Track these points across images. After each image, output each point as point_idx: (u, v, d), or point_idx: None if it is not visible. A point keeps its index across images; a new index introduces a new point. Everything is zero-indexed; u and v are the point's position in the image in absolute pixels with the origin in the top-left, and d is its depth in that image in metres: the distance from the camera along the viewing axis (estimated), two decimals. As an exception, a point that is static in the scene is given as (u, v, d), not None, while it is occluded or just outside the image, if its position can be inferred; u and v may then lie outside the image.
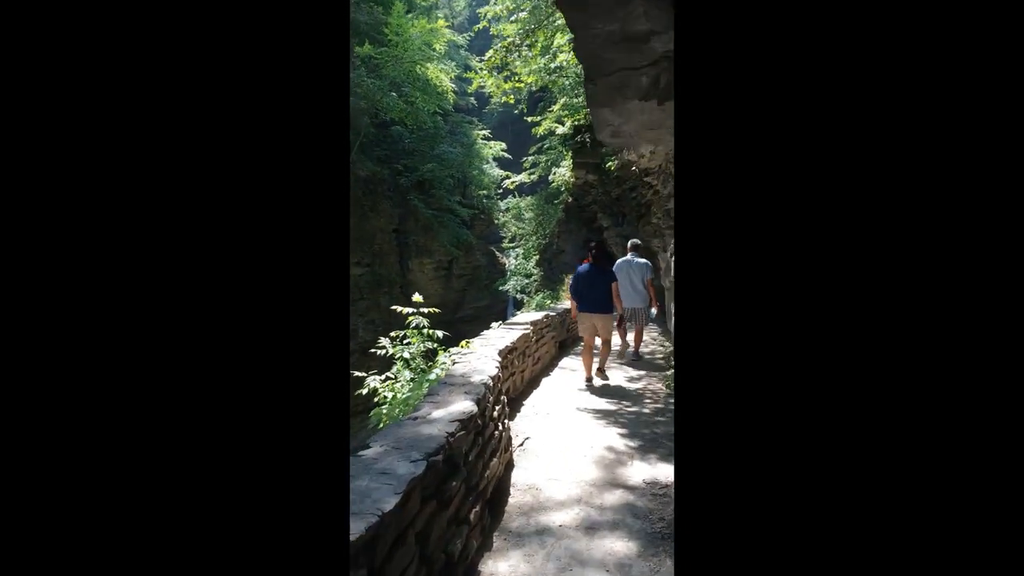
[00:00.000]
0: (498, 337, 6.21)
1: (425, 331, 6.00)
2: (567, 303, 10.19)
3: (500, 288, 20.71)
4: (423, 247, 22.25)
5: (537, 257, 19.67)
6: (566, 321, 8.91)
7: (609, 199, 15.49)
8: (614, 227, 15.41)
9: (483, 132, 23.90)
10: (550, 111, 19.46)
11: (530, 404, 5.98)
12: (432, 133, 21.99)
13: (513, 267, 21.18)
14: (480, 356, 5.13)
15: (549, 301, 17.32)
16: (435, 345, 6.02)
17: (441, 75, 18.58)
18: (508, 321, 7.18)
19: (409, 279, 22.34)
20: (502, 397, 4.58)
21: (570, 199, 17.97)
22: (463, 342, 5.53)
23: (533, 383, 6.78)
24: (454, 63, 20.10)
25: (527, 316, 7.69)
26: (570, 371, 7.42)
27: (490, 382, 4.05)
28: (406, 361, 5.65)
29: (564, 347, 8.76)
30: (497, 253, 25.35)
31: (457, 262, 23.61)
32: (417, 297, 6.22)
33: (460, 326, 25.32)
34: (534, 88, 18.85)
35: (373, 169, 20.72)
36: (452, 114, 23.26)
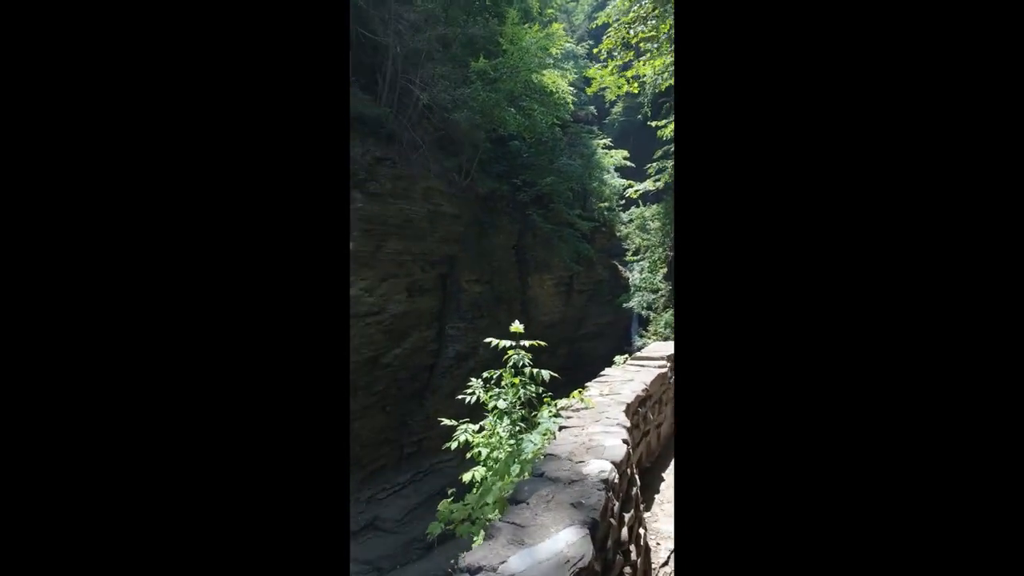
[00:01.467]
0: (623, 380, 4.48)
1: (526, 370, 4.43)
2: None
3: (624, 304, 18.70)
4: (543, 262, 20.88)
5: (664, 270, 17.43)
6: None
7: (750, 202, 13.03)
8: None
9: (604, 141, 22.13)
10: (676, 113, 17.32)
11: (673, 477, 4.14)
12: (551, 146, 20.66)
13: (637, 281, 19.09)
14: (598, 415, 3.44)
15: (680, 319, 15.07)
16: (538, 389, 4.43)
17: (559, 80, 17.18)
18: (637, 354, 5.38)
19: (529, 295, 21.06)
20: (634, 488, 2.85)
21: (702, 205, 15.69)
22: (576, 393, 3.86)
23: (671, 446, 4.92)
24: (571, 64, 18.63)
25: (661, 346, 5.84)
26: (722, 421, 5.46)
27: (614, 475, 2.35)
28: (502, 413, 4.10)
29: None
30: (620, 267, 23.32)
31: (578, 277, 21.95)
32: (516, 326, 4.66)
33: (581, 343, 23.57)
34: (659, 88, 16.88)
35: (492, 186, 19.78)
36: (571, 125, 21.80)
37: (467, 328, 19.09)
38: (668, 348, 5.64)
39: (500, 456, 3.69)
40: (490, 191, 19.73)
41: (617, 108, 27.46)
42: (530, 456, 3.19)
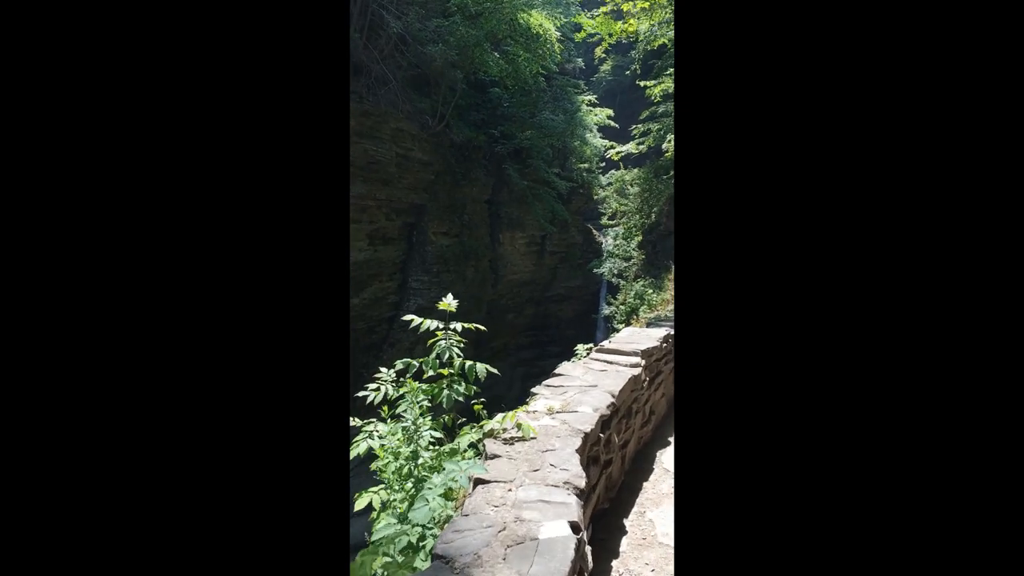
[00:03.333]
0: (583, 386, 3.20)
1: (456, 361, 3.13)
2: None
3: (595, 270, 17.46)
4: (516, 220, 19.39)
5: (639, 238, 16.16)
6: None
7: (738, 173, 11.73)
8: (740, 208, 11.68)
9: (589, 98, 20.35)
10: (668, 73, 15.67)
11: (643, 521, 2.93)
12: (534, 98, 18.84)
13: (611, 247, 17.80)
14: (540, 455, 2.18)
15: (651, 291, 13.90)
16: (469, 390, 3.15)
17: (546, 23, 15.31)
18: (605, 346, 4.10)
19: (499, 253, 19.65)
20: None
21: (685, 173, 14.32)
22: (511, 415, 2.55)
23: (642, 463, 3.70)
24: (560, 10, 16.67)
25: (634, 335, 4.56)
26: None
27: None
28: (408, 434, 2.79)
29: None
30: (595, 231, 21.97)
31: (551, 238, 20.56)
32: (447, 303, 3.32)
33: (549, 305, 22.38)
34: (651, 45, 15.16)
35: (468, 134, 18.00)
36: (556, 77, 19.91)
37: (431, 282, 17.67)
38: (643, 338, 4.37)
39: (399, 500, 2.41)
40: (465, 140, 17.94)
41: (606, 66, 25.51)
42: (415, 539, 1.89)
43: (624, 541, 2.79)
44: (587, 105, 19.99)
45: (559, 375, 3.51)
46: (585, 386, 3.23)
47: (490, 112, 18.89)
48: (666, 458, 3.73)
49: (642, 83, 15.77)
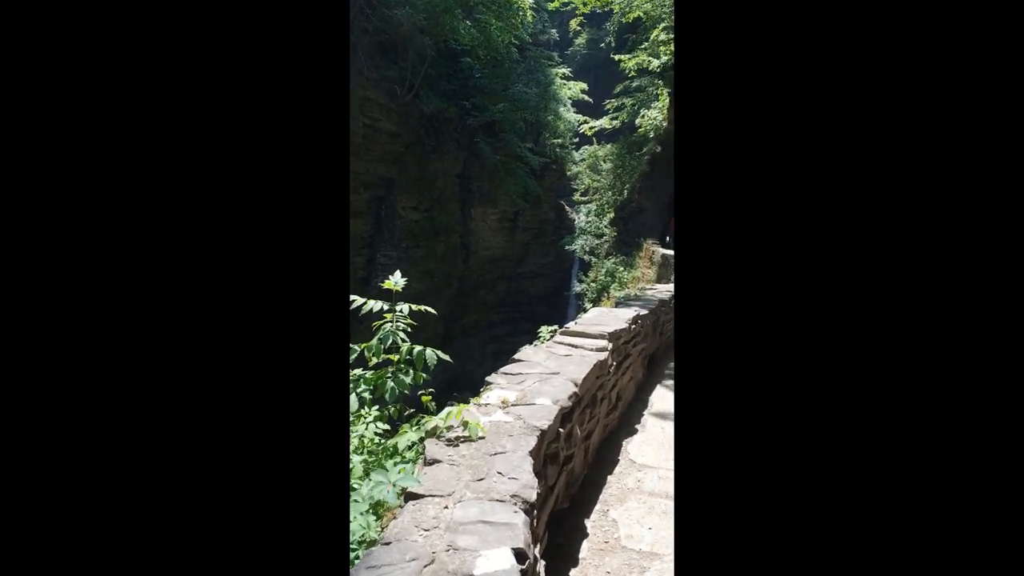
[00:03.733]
0: (544, 373, 2.88)
1: (403, 347, 2.78)
2: (664, 286, 6.62)
3: (567, 247, 17.14)
4: (487, 195, 18.89)
5: (612, 215, 15.87)
6: (660, 319, 5.36)
7: (711, 149, 11.45)
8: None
9: (563, 71, 19.76)
10: (643, 47, 15.22)
11: (606, 521, 2.65)
12: (506, 69, 18.17)
13: (583, 224, 17.48)
14: (487, 460, 1.84)
15: (622, 269, 13.67)
16: (418, 378, 2.80)
17: (518, -12, 14.66)
18: (570, 328, 3.77)
19: (470, 228, 19.17)
20: None
21: (658, 148, 13.92)
22: (457, 410, 2.20)
23: (607, 454, 3.42)
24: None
25: (602, 315, 4.25)
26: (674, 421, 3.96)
27: None
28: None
29: (656, 364, 5.23)
30: (567, 208, 21.59)
31: (523, 214, 20.14)
32: (392, 282, 2.94)
33: (520, 281, 22.01)
34: (627, 17, 14.66)
35: (438, 105, 17.30)
36: (530, 48, 19.23)
37: (400, 257, 17.10)
38: (611, 319, 4.06)
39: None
40: (436, 111, 17.23)
41: (580, 39, 24.86)
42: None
43: (585, 546, 2.50)
44: (561, 78, 19.42)
45: (519, 361, 3.17)
46: (546, 374, 2.90)
47: (461, 83, 18.17)
48: (632, 448, 3.46)
49: (616, 57, 15.29)
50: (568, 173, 20.36)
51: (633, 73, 15.50)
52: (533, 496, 1.74)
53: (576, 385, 2.81)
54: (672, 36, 12.40)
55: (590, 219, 16.97)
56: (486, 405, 2.46)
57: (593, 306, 11.40)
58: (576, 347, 3.47)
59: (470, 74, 18.06)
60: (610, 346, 3.58)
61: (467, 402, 2.58)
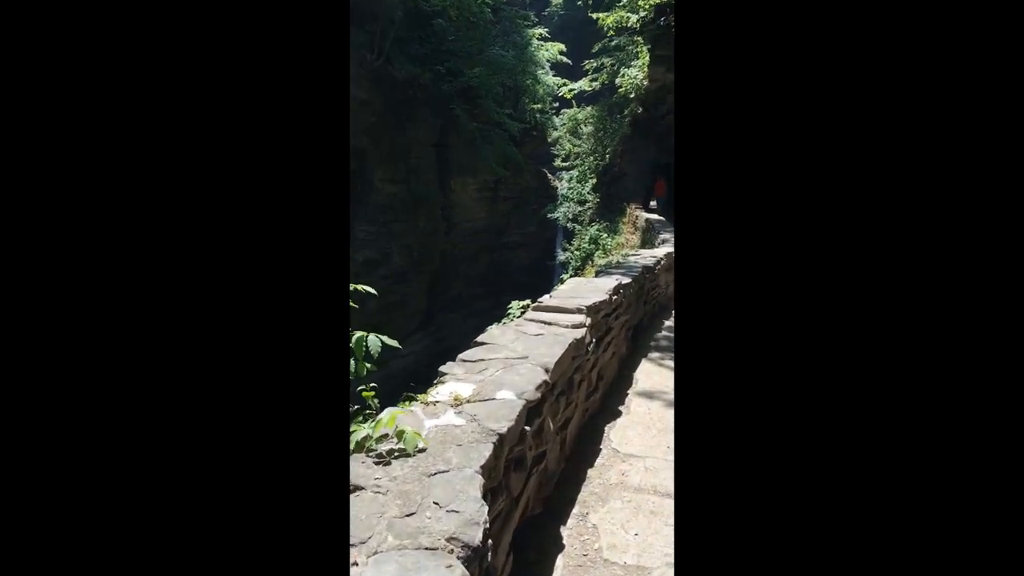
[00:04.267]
0: (511, 358, 2.41)
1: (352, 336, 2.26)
2: (648, 252, 6.13)
3: (549, 215, 16.59)
4: (466, 165, 18.15)
5: (594, 181, 15.30)
6: (645, 287, 4.90)
7: (695, 107, 10.86)
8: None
9: (540, 31, 18.82)
10: (621, 4, 14.41)
11: (585, 528, 2.24)
12: (481, 31, 17.22)
13: (565, 191, 16.90)
14: (425, 480, 1.36)
15: (606, 236, 13.19)
16: (361, 369, 2.32)
17: (488, -59, 13.75)
18: (544, 302, 3.30)
19: (450, 199, 18.49)
20: None
21: (640, 110, 13.29)
22: (392, 416, 1.72)
23: (587, 444, 2.99)
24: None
25: (579, 287, 3.78)
26: (663, 402, 3.53)
27: None
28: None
29: (641, 335, 4.79)
30: (549, 175, 20.90)
31: (504, 183, 19.46)
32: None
33: (504, 252, 21.42)
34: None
35: (411, 70, 16.40)
36: (505, 8, 18.23)
37: (379, 232, 16.45)
38: (588, 291, 3.59)
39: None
40: (409, 77, 16.32)
41: (556, 0, 23.78)
42: None
43: (560, 561, 2.09)
44: (538, 39, 18.50)
45: (482, 344, 2.70)
46: (513, 358, 2.44)
47: (434, 46, 17.22)
48: (615, 434, 3.05)
49: (594, 15, 14.48)
50: (549, 139, 19.63)
51: (611, 32, 14.74)
52: (478, 537, 1.29)
53: (547, 371, 2.35)
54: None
55: (572, 185, 16.40)
56: (434, 404, 2.00)
57: (576, 275, 10.94)
58: (549, 324, 3.01)
59: (443, 37, 17.12)
60: (588, 321, 3.12)
61: (415, 398, 2.12)
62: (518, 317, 3.22)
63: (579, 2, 16.80)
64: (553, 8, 23.59)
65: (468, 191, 18.72)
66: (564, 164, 17.79)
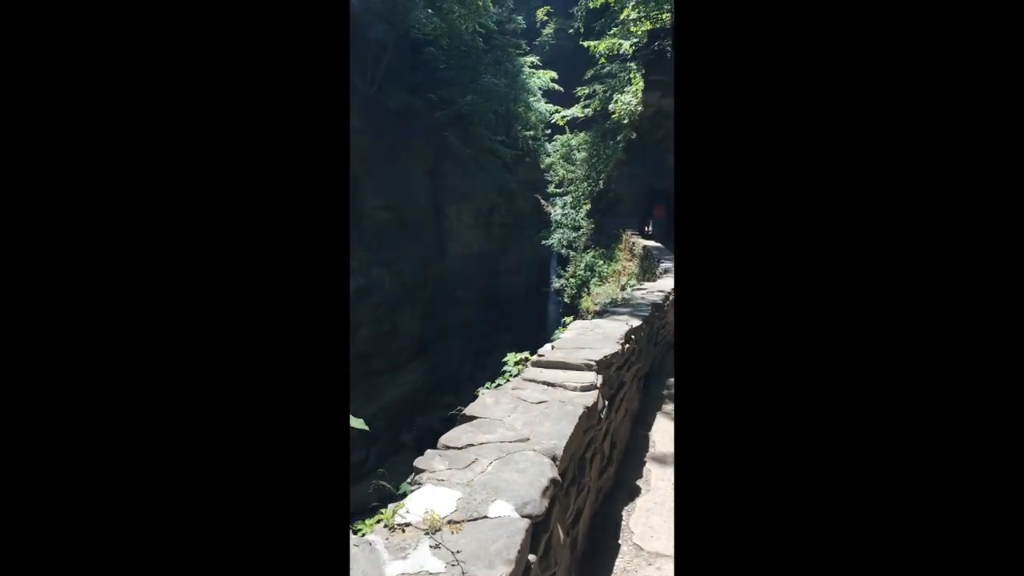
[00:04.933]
0: (504, 446, 1.83)
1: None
2: (654, 285, 5.57)
3: (543, 242, 16.11)
4: (460, 192, 17.74)
5: (588, 207, 14.89)
6: (655, 327, 4.34)
7: (691, 132, 10.49)
8: (693, 170, 10.49)
9: (531, 59, 18.65)
10: (611, 33, 14.23)
11: None
12: (473, 60, 17.02)
13: (559, 217, 16.48)
14: None
15: (601, 263, 12.70)
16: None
17: (480, -30, 13.58)
18: (544, 356, 2.73)
19: (444, 227, 18.03)
20: None
21: (634, 135, 12.96)
22: (382, 514, 1.15)
23: (599, 535, 2.38)
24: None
25: (587, 338, 3.20)
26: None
27: None
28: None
29: (652, 383, 4.20)
30: (543, 201, 20.52)
31: (498, 210, 19.02)
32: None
33: (500, 278, 20.88)
34: (593, 2, 13.62)
35: (404, 100, 16.10)
36: (496, 37, 18.07)
37: (371, 259, 15.91)
38: (596, 339, 3.04)
39: None
40: (402, 105, 16.02)
41: (548, 29, 23.72)
42: None
43: None
44: (530, 67, 18.32)
45: (471, 418, 2.13)
46: (510, 442, 1.88)
47: (427, 75, 16.96)
48: (636, 522, 2.45)
49: (585, 43, 14.27)
50: (542, 165, 19.30)
51: (603, 60, 14.53)
52: None
53: (555, 461, 1.79)
54: (644, 15, 11.40)
55: (566, 211, 16.00)
56: (403, 529, 1.42)
57: (572, 312, 10.37)
58: (553, 386, 2.45)
59: (435, 66, 16.88)
60: (600, 380, 2.56)
61: (382, 509, 1.55)
62: (515, 376, 2.66)
63: (570, 31, 16.64)
64: (544, 38, 23.56)
65: (462, 218, 18.28)
66: (558, 190, 17.43)
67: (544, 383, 2.48)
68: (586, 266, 12.37)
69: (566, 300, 13.22)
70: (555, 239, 15.29)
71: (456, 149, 16.62)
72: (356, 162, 14.84)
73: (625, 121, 13.10)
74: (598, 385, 2.49)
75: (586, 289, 12.11)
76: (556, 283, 14.62)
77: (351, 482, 14.27)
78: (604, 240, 13.02)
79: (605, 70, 14.71)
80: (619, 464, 2.91)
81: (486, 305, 19.41)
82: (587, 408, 2.23)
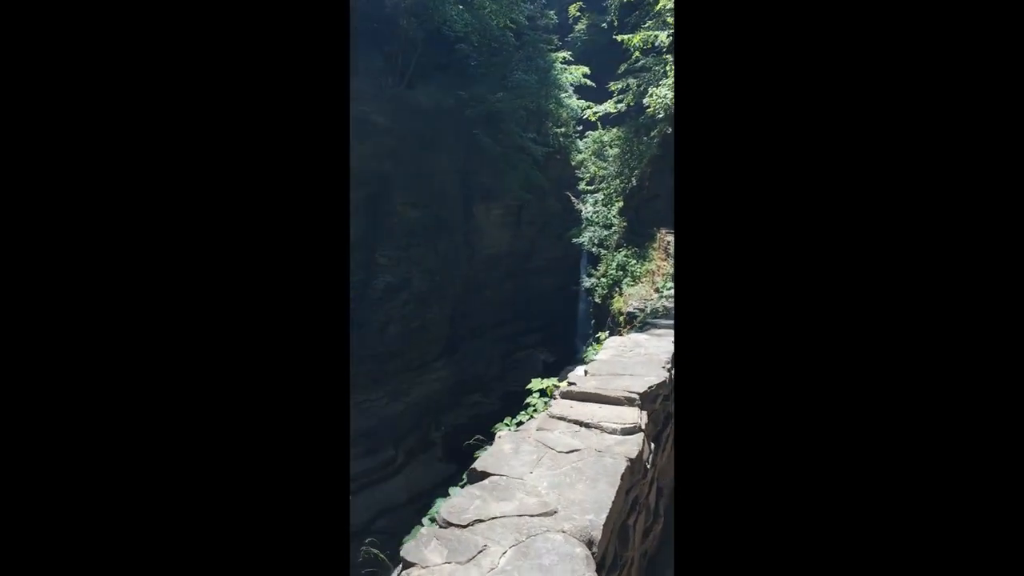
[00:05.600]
0: (524, 525, 1.35)
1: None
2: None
3: (574, 240, 15.51)
4: (489, 189, 17.27)
5: (620, 204, 14.23)
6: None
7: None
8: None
9: (563, 55, 18.03)
10: (646, 25, 13.51)
11: None
12: (504, 58, 16.53)
13: (590, 215, 15.84)
14: None
15: (634, 262, 12.06)
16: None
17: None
18: (581, 383, 2.23)
19: (473, 225, 17.61)
20: None
21: (669, 129, 12.23)
22: None
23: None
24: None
25: (626, 361, 2.68)
26: None
27: None
28: None
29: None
30: (573, 199, 19.87)
31: (527, 207, 18.48)
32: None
33: (529, 277, 20.35)
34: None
35: (435, 97, 15.74)
36: (527, 33, 17.51)
37: (401, 257, 15.62)
38: (637, 362, 2.52)
39: None
40: (432, 103, 15.67)
41: (580, 25, 23.03)
42: None
43: None
44: (562, 63, 17.70)
45: (483, 476, 1.67)
46: (532, 516, 1.40)
47: (458, 72, 16.55)
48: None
49: (619, 37, 13.58)
50: (573, 162, 18.66)
51: (637, 53, 13.81)
52: None
53: (591, 546, 1.30)
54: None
55: (597, 209, 15.34)
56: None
57: (603, 313, 9.73)
58: (588, 426, 1.96)
59: (466, 63, 16.44)
60: (644, 419, 2.05)
61: None
62: (540, 410, 2.17)
63: (603, 25, 15.96)
64: (576, 34, 22.86)
65: (491, 216, 17.82)
66: (589, 188, 16.77)
67: (576, 422, 1.99)
68: (618, 265, 11.75)
69: (597, 300, 12.62)
70: (586, 237, 14.67)
71: (487, 147, 16.17)
72: (385, 160, 14.57)
73: (660, 115, 12.39)
74: (642, 426, 1.99)
75: (618, 289, 11.51)
76: (587, 282, 14.02)
77: (378, 481, 14.00)
78: (637, 239, 12.36)
79: (639, 64, 13.98)
80: (667, 514, 2.40)
81: (515, 304, 18.94)
82: (630, 461, 1.74)
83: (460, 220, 17.00)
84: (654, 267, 10.78)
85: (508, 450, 1.80)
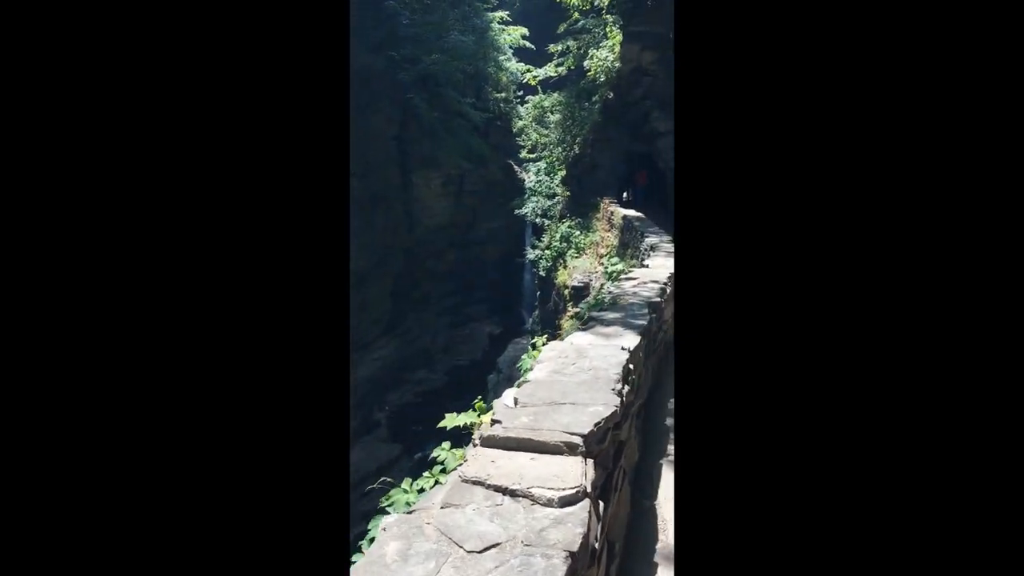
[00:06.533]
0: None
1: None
2: (645, 272, 4.44)
3: (517, 211, 14.86)
4: (428, 158, 16.21)
5: (563, 173, 13.64)
6: (656, 337, 3.25)
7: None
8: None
9: (501, 15, 16.91)
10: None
11: None
12: (439, 17, 15.27)
13: (532, 184, 15.19)
14: None
15: (578, 233, 11.59)
16: None
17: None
18: (503, 427, 1.65)
19: (412, 195, 16.56)
20: None
21: (611, 95, 11.64)
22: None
23: None
24: None
25: (568, 382, 2.11)
26: None
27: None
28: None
29: (652, 413, 3.14)
30: (516, 167, 19.08)
31: (468, 176, 17.57)
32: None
33: (472, 247, 19.63)
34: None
35: (364, 59, 14.36)
36: (463, -11, 16.24)
37: (336, 232, 14.52)
38: (581, 385, 1.97)
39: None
40: (362, 65, 14.28)
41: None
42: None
43: None
44: (499, 23, 16.60)
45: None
46: None
47: (389, 32, 15.15)
48: None
49: (558, -4, 12.72)
50: (514, 129, 17.81)
51: (576, 15, 13.02)
52: None
53: None
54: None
55: (540, 178, 14.72)
56: None
57: (548, 286, 9.26)
58: (514, 496, 1.38)
59: (397, 21, 15.07)
60: (590, 471, 1.50)
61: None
62: (451, 467, 1.57)
63: (542, -18, 14.98)
64: (514, -7, 21.60)
65: (431, 185, 16.80)
66: (531, 155, 16.05)
67: (497, 489, 1.41)
68: (562, 237, 11.26)
69: (541, 274, 12.13)
70: (529, 208, 14.06)
71: (423, 112, 15.06)
72: (313, 127, 13.27)
73: (601, 79, 11.76)
74: (588, 487, 1.43)
75: (562, 261, 11.05)
76: (531, 254, 13.48)
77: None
78: (580, 209, 11.88)
79: (579, 24, 13.20)
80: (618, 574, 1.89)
81: (459, 276, 18.20)
82: (571, 557, 1.18)
83: (398, 190, 15.92)
84: (598, 238, 10.35)
85: (393, 553, 1.20)
